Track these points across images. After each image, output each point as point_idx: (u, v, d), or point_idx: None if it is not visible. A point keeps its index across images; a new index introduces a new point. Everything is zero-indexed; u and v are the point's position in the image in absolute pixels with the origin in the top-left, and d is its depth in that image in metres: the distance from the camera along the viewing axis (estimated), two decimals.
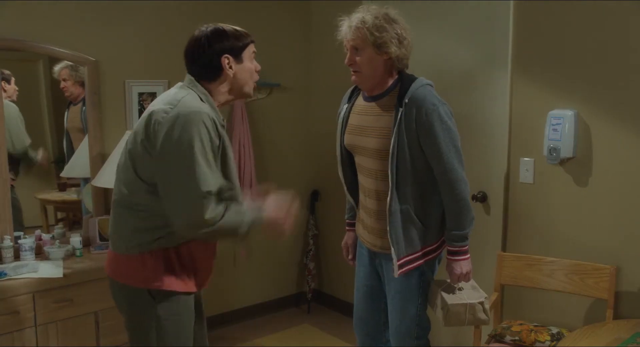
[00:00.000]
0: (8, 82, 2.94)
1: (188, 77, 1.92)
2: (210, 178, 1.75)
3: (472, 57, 2.97)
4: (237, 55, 1.89)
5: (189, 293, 1.94)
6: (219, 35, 1.86)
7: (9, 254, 2.78)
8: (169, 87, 3.33)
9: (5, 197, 2.84)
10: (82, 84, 3.12)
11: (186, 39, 3.35)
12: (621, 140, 2.43)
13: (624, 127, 2.42)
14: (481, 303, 2.23)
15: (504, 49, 2.80)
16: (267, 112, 3.87)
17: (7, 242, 2.79)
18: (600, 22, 2.45)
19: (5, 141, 2.83)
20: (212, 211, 1.75)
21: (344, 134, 2.32)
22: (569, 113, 2.54)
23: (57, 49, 2.96)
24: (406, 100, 2.08)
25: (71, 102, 3.17)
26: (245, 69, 1.93)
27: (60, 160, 3.25)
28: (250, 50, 1.94)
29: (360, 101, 2.29)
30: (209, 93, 1.89)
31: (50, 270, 2.69)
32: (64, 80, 3.11)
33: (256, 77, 1.99)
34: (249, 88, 1.97)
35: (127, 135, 3.01)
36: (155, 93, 3.32)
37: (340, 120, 2.35)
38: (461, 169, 2.13)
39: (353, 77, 2.19)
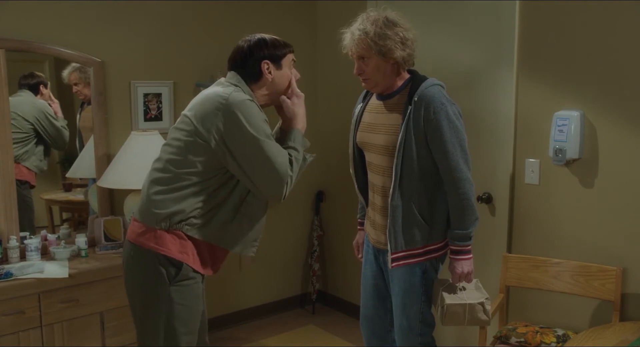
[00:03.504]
0: (45, 86, 3.03)
1: (232, 74, 2.05)
2: (280, 156, 1.95)
3: (477, 57, 2.97)
4: (277, 62, 2.05)
5: (198, 277, 2.05)
6: (260, 43, 2.04)
7: (14, 254, 2.79)
8: (174, 89, 3.39)
9: (11, 197, 2.85)
10: None
11: (191, 40, 3.42)
12: (627, 142, 2.42)
13: (631, 129, 2.41)
14: (481, 304, 2.23)
15: (509, 49, 2.79)
16: (273, 113, 3.86)
17: (13, 242, 2.80)
18: (606, 22, 2.44)
19: (11, 142, 2.84)
20: (289, 183, 1.96)
21: (356, 132, 2.36)
22: (574, 114, 2.53)
23: (64, 50, 2.97)
24: (415, 99, 2.11)
25: (84, 102, 3.19)
26: (284, 75, 2.08)
27: (66, 161, 3.26)
28: (289, 58, 2.09)
29: (373, 100, 2.34)
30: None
31: (56, 270, 2.70)
32: (75, 84, 3.13)
33: (293, 82, 2.12)
34: (282, 93, 2.10)
35: (134, 135, 3.02)
36: (160, 94, 3.33)
37: (354, 119, 2.39)
38: (467, 169, 2.14)
39: (363, 84, 2.24)
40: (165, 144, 2.04)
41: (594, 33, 2.48)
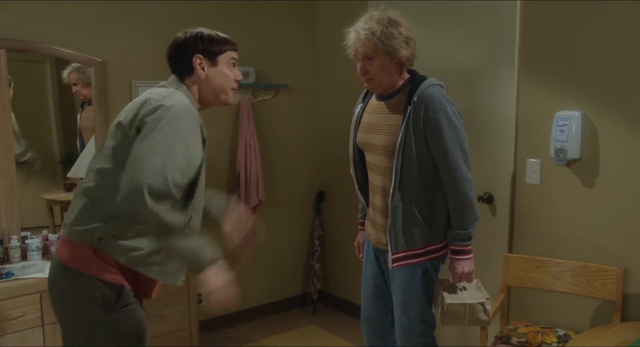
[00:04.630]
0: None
1: (172, 77, 1.92)
2: (184, 163, 1.68)
3: (478, 57, 2.97)
4: (212, 58, 1.89)
5: (137, 302, 1.85)
6: (194, 37, 1.89)
7: (16, 254, 2.80)
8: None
9: (11, 197, 2.86)
10: (91, 85, 3.14)
11: None
12: (629, 142, 2.42)
13: (632, 128, 2.41)
14: (482, 304, 2.22)
15: (510, 49, 2.79)
16: (274, 113, 3.87)
17: (15, 242, 2.80)
18: (607, 22, 2.44)
19: (12, 141, 2.85)
20: (165, 196, 1.63)
21: (356, 133, 2.36)
22: (576, 114, 2.53)
23: (65, 50, 2.97)
24: (415, 99, 2.11)
25: (85, 102, 3.20)
26: (220, 73, 1.91)
27: (67, 161, 3.26)
28: (228, 56, 1.93)
29: (373, 100, 2.34)
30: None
31: None
32: (74, 84, 3.13)
33: (233, 84, 1.95)
34: (225, 96, 1.94)
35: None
36: None
37: (354, 119, 2.39)
38: (466, 169, 2.14)
39: (366, 84, 2.24)
40: (96, 154, 1.86)
41: (595, 33, 2.48)
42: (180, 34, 1.92)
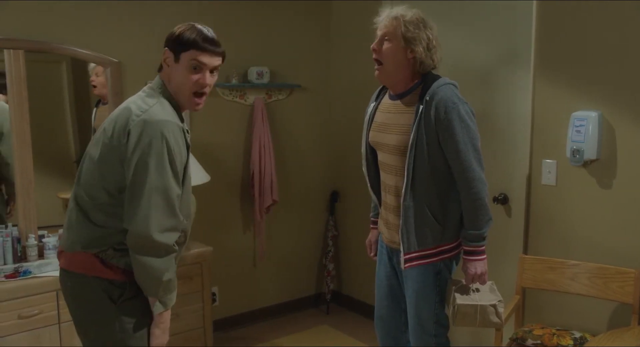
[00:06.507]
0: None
1: (157, 79, 1.90)
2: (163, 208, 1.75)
3: (494, 57, 2.95)
4: (176, 54, 1.83)
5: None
6: (172, 31, 1.87)
7: (33, 252, 2.83)
8: None
9: (29, 196, 2.89)
10: None
11: None
12: None
13: None
14: (494, 306, 2.20)
15: (526, 49, 2.77)
16: (288, 113, 3.88)
17: (32, 240, 2.83)
18: (624, 22, 2.41)
19: (30, 141, 2.88)
20: (169, 235, 1.76)
21: (369, 132, 2.35)
22: (592, 114, 2.51)
23: (81, 50, 3.00)
24: (427, 98, 2.11)
25: (100, 101, 3.22)
26: (179, 72, 1.82)
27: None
28: (189, 56, 1.81)
29: (386, 100, 2.33)
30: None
31: None
32: (97, 75, 3.16)
33: (192, 88, 1.83)
34: (183, 97, 1.84)
35: None
36: None
37: (366, 118, 2.39)
38: (479, 169, 2.13)
39: (376, 73, 2.24)
40: (84, 160, 1.86)
41: (612, 33, 2.45)
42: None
